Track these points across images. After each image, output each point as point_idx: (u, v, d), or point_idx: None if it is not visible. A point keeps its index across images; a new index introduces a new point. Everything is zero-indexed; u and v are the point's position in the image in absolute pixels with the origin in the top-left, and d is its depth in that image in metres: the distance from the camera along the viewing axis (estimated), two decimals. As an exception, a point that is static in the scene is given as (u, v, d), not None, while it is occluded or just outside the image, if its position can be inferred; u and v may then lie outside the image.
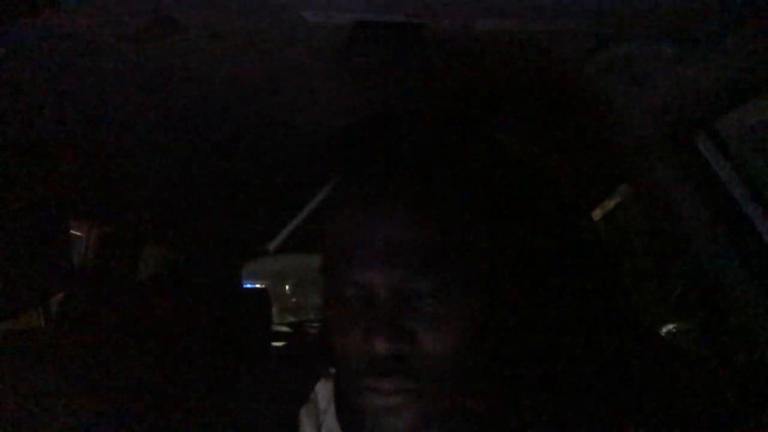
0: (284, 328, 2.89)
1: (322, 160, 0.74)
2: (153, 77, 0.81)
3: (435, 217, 0.60)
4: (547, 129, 1.06)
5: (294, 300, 8.10)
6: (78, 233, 1.52)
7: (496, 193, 0.72)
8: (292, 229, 0.81)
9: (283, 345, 2.29)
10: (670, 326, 2.38)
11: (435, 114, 0.92)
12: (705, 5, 0.63)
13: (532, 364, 0.68)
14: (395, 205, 0.59)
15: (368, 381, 0.57)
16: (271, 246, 0.88)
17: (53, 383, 0.91)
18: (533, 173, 1.23)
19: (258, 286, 3.59)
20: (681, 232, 0.91)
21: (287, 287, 8.20)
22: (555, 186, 1.34)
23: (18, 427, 0.88)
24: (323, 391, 0.69)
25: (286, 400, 0.69)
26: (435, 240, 0.59)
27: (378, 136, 0.68)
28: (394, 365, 0.56)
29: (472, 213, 0.63)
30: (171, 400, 1.11)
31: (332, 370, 0.70)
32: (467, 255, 0.60)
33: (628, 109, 0.84)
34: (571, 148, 1.11)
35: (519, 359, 0.68)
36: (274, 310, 2.19)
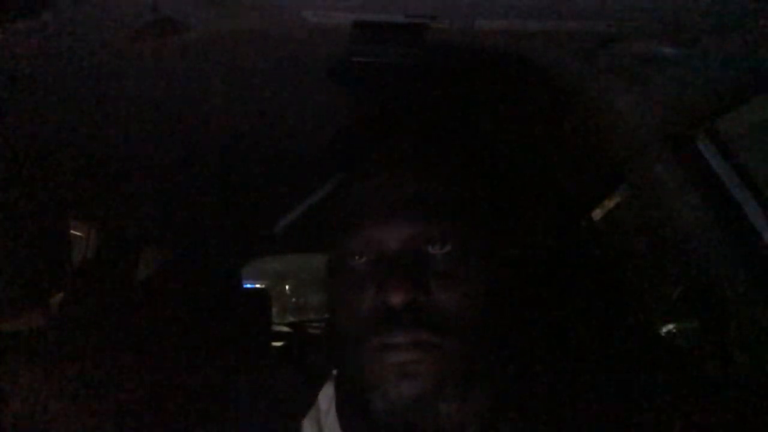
0: (284, 328, 2.89)
1: (322, 160, 0.74)
2: (153, 77, 0.81)
3: (443, 175, 0.61)
4: (547, 129, 1.06)
5: (294, 300, 8.10)
6: (78, 233, 1.52)
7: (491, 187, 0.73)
8: (299, 213, 0.81)
9: (283, 345, 2.29)
10: (670, 326, 2.38)
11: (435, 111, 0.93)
12: (705, 5, 0.63)
13: (531, 361, 0.68)
14: (405, 162, 0.60)
15: (382, 337, 0.56)
16: (278, 228, 0.88)
17: (54, 384, 0.91)
18: (532, 166, 1.23)
19: (258, 286, 3.59)
20: (681, 232, 0.91)
21: (287, 287, 8.20)
22: (553, 183, 1.34)
23: (18, 427, 0.88)
24: (325, 392, 0.69)
25: (289, 407, 0.69)
26: (446, 196, 0.59)
27: (383, 128, 0.69)
28: (410, 316, 0.55)
29: (478, 182, 0.65)
30: (171, 400, 1.11)
31: (334, 372, 0.70)
32: (479, 214, 0.61)
33: (628, 109, 0.84)
34: (571, 148, 1.11)
35: (517, 356, 0.68)
36: (274, 310, 2.19)
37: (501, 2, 0.63)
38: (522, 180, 1.30)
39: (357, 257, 0.59)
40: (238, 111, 0.98)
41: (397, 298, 0.55)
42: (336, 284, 0.61)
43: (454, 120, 0.98)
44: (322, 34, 0.69)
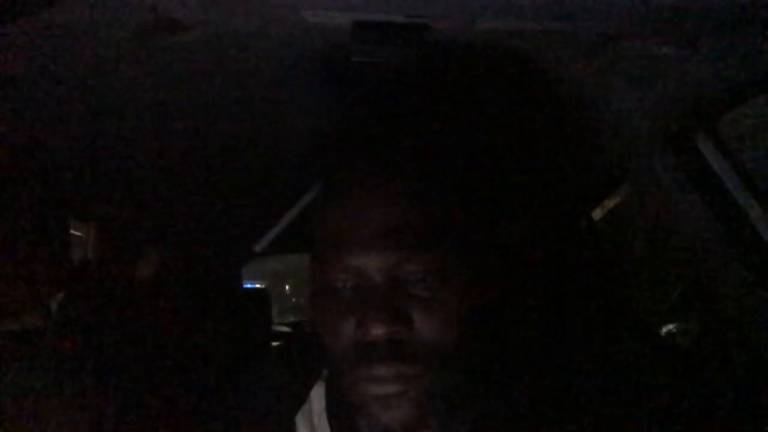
0: (284, 328, 2.89)
1: (319, 161, 0.74)
2: (153, 77, 0.81)
3: (427, 201, 0.60)
4: (547, 129, 1.06)
5: (294, 300, 8.11)
6: (78, 233, 1.52)
7: (488, 186, 0.72)
8: (280, 230, 0.81)
9: (282, 345, 2.29)
10: (670, 326, 2.38)
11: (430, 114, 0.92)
12: (705, 5, 0.63)
13: (530, 361, 0.68)
14: (387, 190, 0.59)
15: (364, 370, 0.56)
16: (258, 247, 0.88)
17: (53, 383, 0.91)
18: (529, 168, 1.23)
19: (258, 286, 3.60)
20: (681, 232, 0.91)
21: (287, 287, 8.21)
22: (553, 183, 1.34)
23: (18, 427, 0.88)
24: (317, 391, 0.69)
25: (284, 403, 0.69)
26: (428, 223, 0.58)
27: (368, 134, 0.69)
28: (391, 350, 0.55)
29: (464, 200, 0.64)
30: (171, 399, 1.11)
31: (325, 372, 0.70)
32: (460, 240, 0.60)
33: (628, 109, 0.84)
34: (571, 148, 1.11)
35: (516, 356, 0.68)
36: (274, 310, 2.19)
37: (501, 2, 0.63)
38: (522, 181, 1.30)
39: (338, 283, 0.58)
40: (238, 111, 0.98)
41: (378, 332, 0.55)
42: (319, 304, 0.61)
43: (452, 121, 0.97)
44: (322, 34, 0.69)
